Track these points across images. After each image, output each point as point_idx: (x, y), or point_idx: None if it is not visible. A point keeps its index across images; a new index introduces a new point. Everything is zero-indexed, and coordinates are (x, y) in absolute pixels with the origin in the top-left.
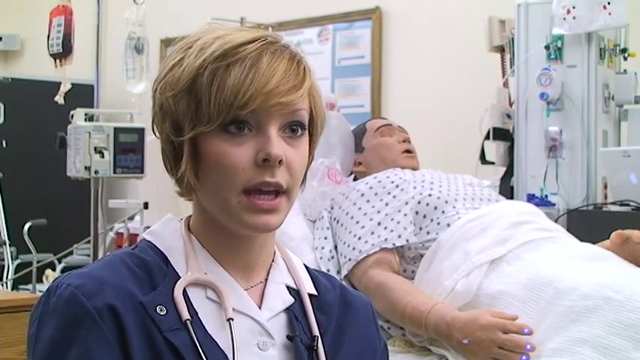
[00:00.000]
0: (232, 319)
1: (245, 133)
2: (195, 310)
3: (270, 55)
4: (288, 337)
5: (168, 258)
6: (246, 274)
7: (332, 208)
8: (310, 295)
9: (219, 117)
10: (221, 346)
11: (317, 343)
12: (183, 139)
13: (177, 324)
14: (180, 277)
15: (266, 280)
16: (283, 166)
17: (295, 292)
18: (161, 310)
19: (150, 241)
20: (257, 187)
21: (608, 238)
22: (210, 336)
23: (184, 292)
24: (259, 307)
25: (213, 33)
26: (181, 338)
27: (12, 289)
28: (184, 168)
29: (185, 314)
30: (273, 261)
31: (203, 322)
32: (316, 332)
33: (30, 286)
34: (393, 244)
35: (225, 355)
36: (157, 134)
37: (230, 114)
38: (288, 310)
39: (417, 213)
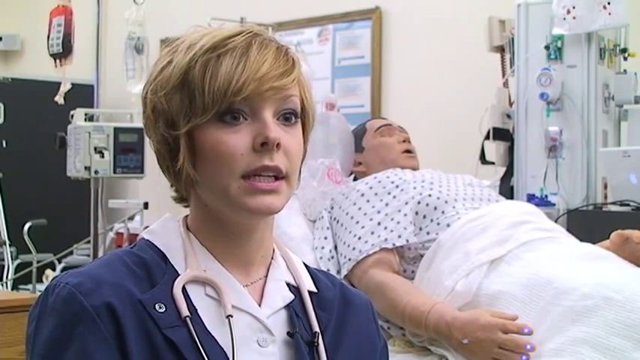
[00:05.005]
0: (232, 316)
1: (241, 122)
2: (194, 307)
3: (259, 45)
4: (288, 333)
5: (167, 256)
6: (245, 270)
7: (332, 208)
8: (310, 292)
9: (214, 106)
10: (220, 343)
11: (317, 340)
12: (180, 132)
13: (177, 321)
14: (179, 275)
15: (265, 277)
16: (281, 150)
17: (295, 289)
18: (160, 308)
19: (148, 240)
20: (256, 172)
21: (608, 238)
22: (210, 333)
23: (183, 290)
24: (259, 304)
25: (198, 32)
26: (181, 335)
27: (12, 289)
28: (182, 161)
29: (184, 311)
30: (272, 258)
31: (202, 319)
32: (316, 328)
33: (30, 286)
34: (393, 244)
35: (225, 352)
36: (151, 136)
37: (225, 102)
38: (288, 306)
39: (416, 213)
